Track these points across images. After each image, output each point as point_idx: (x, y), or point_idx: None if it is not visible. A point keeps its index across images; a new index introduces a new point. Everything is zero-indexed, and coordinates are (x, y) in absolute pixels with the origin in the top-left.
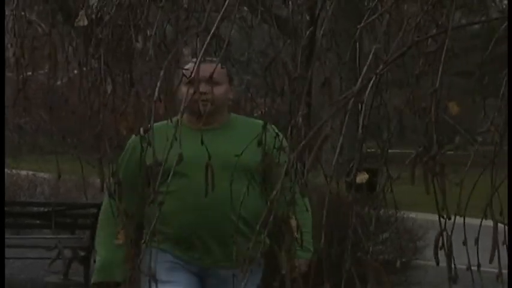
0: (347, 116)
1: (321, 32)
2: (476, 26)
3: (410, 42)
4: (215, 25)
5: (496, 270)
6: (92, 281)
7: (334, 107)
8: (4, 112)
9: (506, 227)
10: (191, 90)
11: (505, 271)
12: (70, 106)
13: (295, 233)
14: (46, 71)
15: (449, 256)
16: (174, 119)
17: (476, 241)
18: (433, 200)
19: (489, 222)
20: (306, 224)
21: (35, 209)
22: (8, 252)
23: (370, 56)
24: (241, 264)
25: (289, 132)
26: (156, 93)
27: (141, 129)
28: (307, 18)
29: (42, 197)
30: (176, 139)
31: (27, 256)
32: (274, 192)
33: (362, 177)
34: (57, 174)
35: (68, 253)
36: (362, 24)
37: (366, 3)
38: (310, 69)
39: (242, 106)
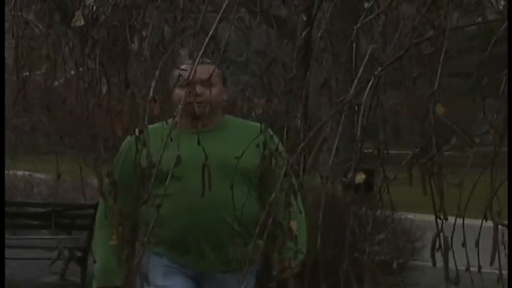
0: (343, 117)
1: (319, 34)
2: (473, 27)
3: (408, 45)
4: (214, 26)
5: (497, 271)
6: (94, 286)
7: (333, 109)
8: (4, 112)
9: (505, 228)
10: (182, 92)
11: (505, 272)
12: (67, 106)
13: (295, 234)
14: (43, 71)
15: (445, 257)
16: (169, 120)
17: (477, 243)
18: (430, 200)
19: (488, 223)
20: (300, 226)
21: (32, 209)
22: (5, 253)
23: (366, 57)
24: (243, 267)
25: (287, 133)
26: (151, 93)
27: (136, 130)
28: (304, 18)
29: (40, 198)
30: (172, 140)
31: (24, 257)
32: (273, 195)
33: (359, 178)
34: (57, 174)
35: (65, 253)
36: (358, 25)
37: (362, 4)
38: (309, 70)
39: (239, 106)
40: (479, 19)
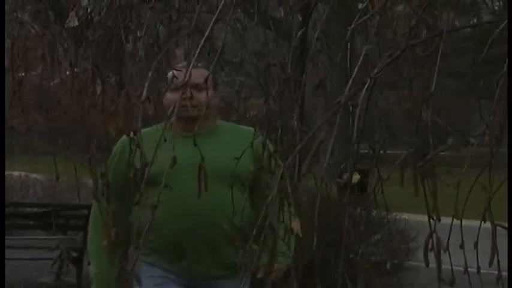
0: (338, 118)
1: (316, 35)
2: (469, 28)
3: (404, 45)
4: (209, 27)
5: (496, 272)
6: None
7: (329, 111)
8: (4, 112)
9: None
10: (177, 96)
11: (504, 273)
12: (62, 107)
13: (300, 234)
14: (39, 71)
15: (438, 258)
16: (162, 124)
17: (476, 245)
18: (424, 201)
19: (487, 224)
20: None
21: (28, 209)
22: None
23: (361, 58)
24: (238, 272)
25: (282, 135)
26: (145, 93)
27: (130, 131)
28: (300, 19)
29: (35, 198)
30: (165, 140)
31: (20, 257)
32: (270, 197)
33: (353, 178)
34: (56, 175)
35: (61, 254)
36: (353, 25)
37: (357, 5)
38: (305, 72)
39: (235, 107)
40: (475, 20)
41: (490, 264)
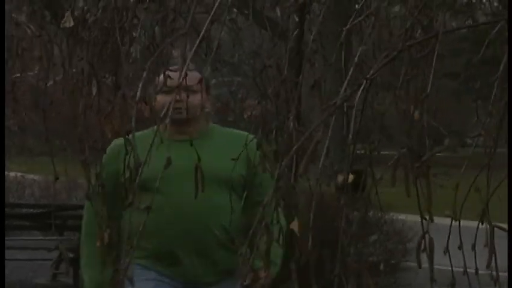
0: (333, 119)
1: (311, 37)
2: (465, 29)
3: (401, 46)
4: (204, 28)
5: (494, 273)
6: None
7: (325, 112)
8: (4, 112)
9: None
10: (168, 99)
11: (501, 274)
12: (58, 107)
13: (298, 234)
14: (36, 72)
15: (431, 258)
16: (154, 127)
17: (473, 246)
18: (421, 201)
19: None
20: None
21: (24, 210)
22: None
23: (356, 59)
24: (232, 276)
25: (277, 135)
26: (139, 94)
27: (125, 132)
28: (296, 19)
29: (32, 199)
30: (162, 142)
31: (16, 258)
32: (266, 198)
33: (345, 177)
34: (54, 176)
35: (56, 254)
36: (348, 26)
37: (354, 6)
38: (302, 73)
39: (232, 108)
40: (470, 21)
41: (488, 266)
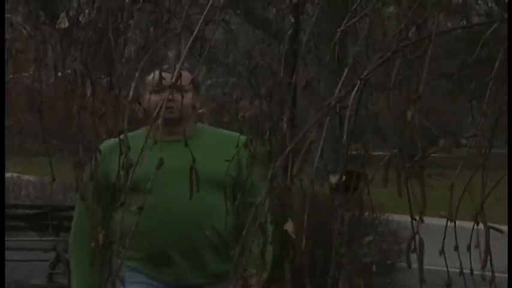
0: (327, 119)
1: (305, 38)
2: (459, 30)
3: (395, 47)
4: (197, 28)
5: (489, 274)
6: None
7: (319, 113)
8: (4, 112)
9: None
10: (159, 98)
11: (497, 274)
12: (54, 108)
13: (293, 235)
14: (31, 73)
15: (420, 259)
16: (146, 128)
17: (468, 247)
18: (417, 202)
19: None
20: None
21: (20, 211)
22: None
23: (351, 60)
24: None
25: (271, 136)
26: (131, 94)
27: (117, 132)
28: (292, 20)
29: (27, 200)
30: (156, 142)
31: (12, 258)
32: (260, 198)
33: (338, 178)
34: (52, 177)
35: (52, 255)
36: (342, 27)
37: (348, 7)
38: (295, 73)
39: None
40: (464, 21)
41: (483, 267)
